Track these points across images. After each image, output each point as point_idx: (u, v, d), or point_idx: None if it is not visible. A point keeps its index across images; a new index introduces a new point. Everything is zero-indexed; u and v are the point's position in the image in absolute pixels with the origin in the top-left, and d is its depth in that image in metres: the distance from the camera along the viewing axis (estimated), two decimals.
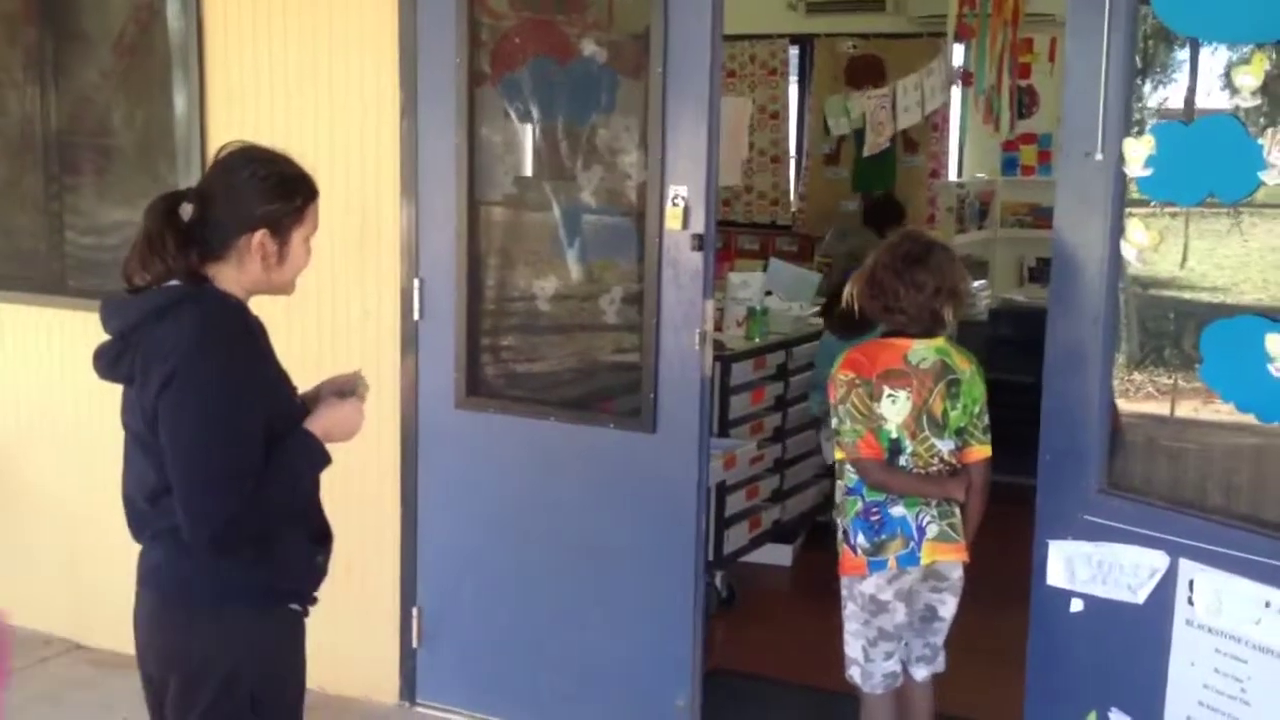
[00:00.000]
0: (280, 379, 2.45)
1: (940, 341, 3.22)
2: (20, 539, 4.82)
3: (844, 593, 3.30)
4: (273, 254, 2.39)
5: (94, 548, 4.48)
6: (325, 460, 2.42)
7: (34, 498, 4.75)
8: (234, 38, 4.15)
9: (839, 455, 3.26)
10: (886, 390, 3.14)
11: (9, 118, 4.75)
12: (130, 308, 2.35)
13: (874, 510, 3.19)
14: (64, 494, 4.64)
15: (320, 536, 2.53)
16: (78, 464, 4.56)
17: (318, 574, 2.53)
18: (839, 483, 3.31)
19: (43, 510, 4.74)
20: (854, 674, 3.32)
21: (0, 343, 4.76)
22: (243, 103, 4.15)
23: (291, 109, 4.07)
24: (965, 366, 3.24)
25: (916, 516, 3.19)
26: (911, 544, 3.18)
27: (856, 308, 3.27)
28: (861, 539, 3.20)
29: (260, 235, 2.36)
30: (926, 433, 3.17)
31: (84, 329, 4.42)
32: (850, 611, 3.29)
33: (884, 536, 3.18)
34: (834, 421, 3.23)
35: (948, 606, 3.31)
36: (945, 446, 3.20)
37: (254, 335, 2.41)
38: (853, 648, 3.31)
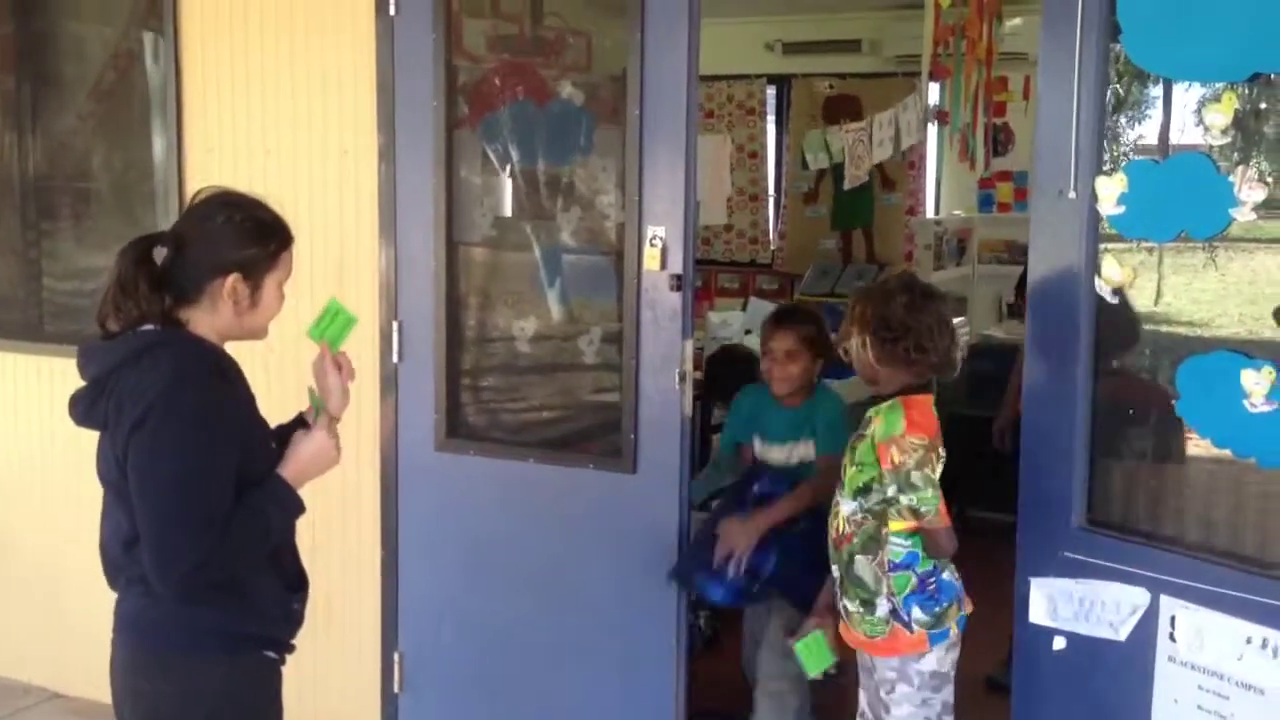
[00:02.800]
0: (255, 424, 2.43)
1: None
2: None
3: (889, 675, 3.03)
4: (245, 298, 2.39)
5: (73, 596, 4.44)
6: (297, 507, 2.41)
7: (11, 544, 4.71)
8: (212, 82, 4.16)
9: (897, 525, 2.96)
10: (940, 450, 2.96)
11: None
12: (106, 353, 2.34)
13: (930, 581, 2.98)
14: (42, 541, 4.60)
15: (295, 583, 2.51)
16: (56, 510, 4.53)
17: (294, 621, 2.51)
18: (861, 560, 3.02)
19: (20, 557, 4.69)
20: None
21: None
22: (220, 147, 4.16)
23: (269, 152, 4.08)
24: None
25: (956, 578, 3.06)
26: (961, 605, 3.04)
27: (874, 360, 2.99)
28: (919, 613, 2.97)
29: (233, 279, 2.36)
30: None
31: (62, 374, 4.41)
32: (901, 694, 3.02)
33: (944, 604, 3.00)
34: (891, 489, 2.92)
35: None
36: None
37: (228, 379, 2.40)
38: None
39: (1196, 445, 2.79)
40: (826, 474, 3.36)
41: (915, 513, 2.92)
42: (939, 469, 2.93)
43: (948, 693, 3.04)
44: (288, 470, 2.40)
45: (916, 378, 3.02)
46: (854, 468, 3.03)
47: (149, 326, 2.34)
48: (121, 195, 4.57)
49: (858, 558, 3.02)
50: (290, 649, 2.52)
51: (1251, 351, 2.58)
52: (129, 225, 4.45)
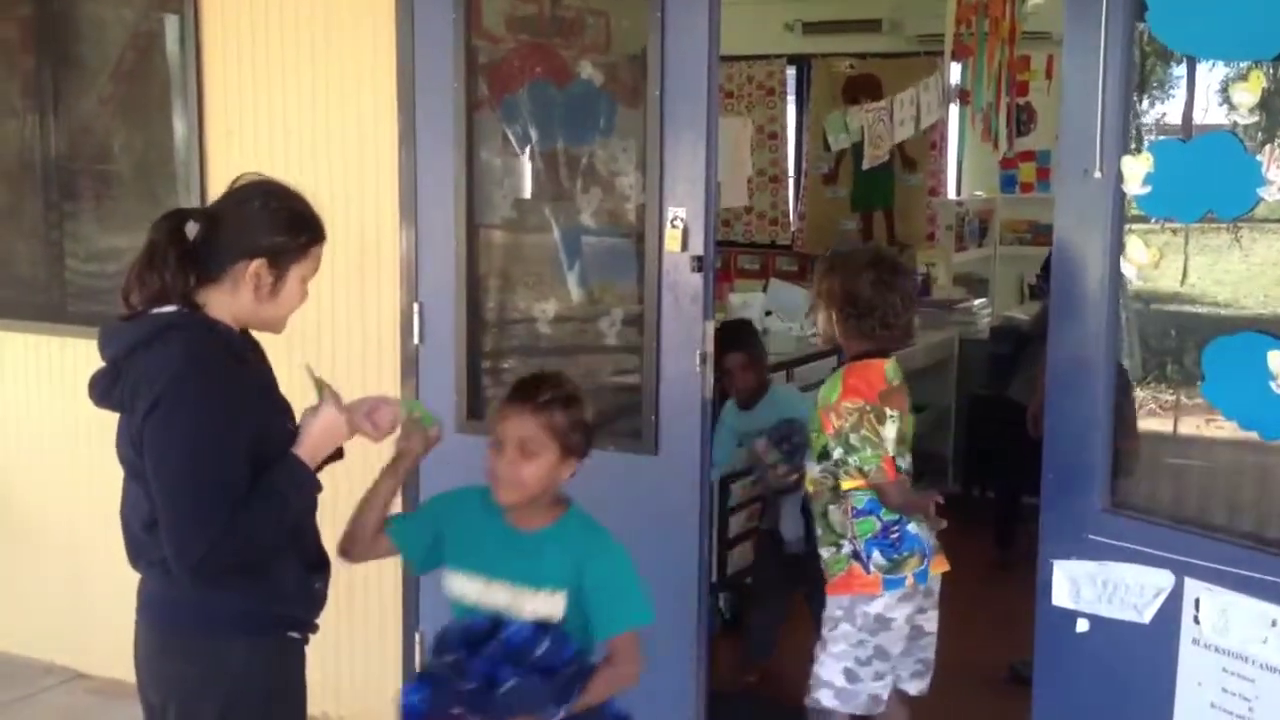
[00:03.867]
0: (271, 406, 2.43)
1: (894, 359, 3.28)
2: (20, 567, 4.80)
3: (836, 614, 3.24)
4: (266, 285, 2.38)
5: (95, 576, 4.46)
6: (313, 485, 2.40)
7: (34, 525, 4.74)
8: (232, 63, 4.16)
9: (848, 485, 3.19)
10: (888, 411, 3.14)
11: (8, 145, 4.76)
12: (123, 334, 2.35)
13: (893, 529, 3.17)
14: (64, 522, 4.63)
15: (317, 564, 2.52)
16: (78, 491, 4.55)
17: (315, 601, 2.51)
18: (833, 509, 3.26)
19: (43, 538, 4.72)
20: (822, 697, 3.26)
21: (0, 369, 4.75)
22: (241, 128, 4.16)
23: (290, 133, 4.08)
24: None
25: (926, 532, 3.22)
26: (925, 560, 3.20)
27: (840, 334, 3.25)
28: (878, 557, 3.17)
29: (257, 264, 2.36)
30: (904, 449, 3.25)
31: (84, 355, 4.40)
32: (841, 632, 3.23)
33: (904, 553, 3.18)
34: (838, 452, 3.16)
35: (933, 621, 3.32)
36: (905, 463, 3.28)
37: (244, 362, 2.39)
38: (830, 669, 3.24)
39: (1220, 427, 2.77)
40: (624, 664, 2.49)
41: (861, 472, 3.13)
42: (889, 427, 3.14)
43: (885, 639, 3.20)
44: (301, 449, 2.40)
45: (876, 346, 3.21)
46: (814, 434, 3.26)
47: (168, 308, 2.35)
48: (142, 177, 4.57)
49: (830, 507, 3.25)
50: (313, 629, 2.53)
51: (1278, 333, 2.56)
52: (150, 207, 4.45)
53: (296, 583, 2.45)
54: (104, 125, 4.63)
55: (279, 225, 2.39)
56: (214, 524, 2.22)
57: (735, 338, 4.37)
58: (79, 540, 4.56)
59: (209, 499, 2.23)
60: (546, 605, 2.47)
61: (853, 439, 3.11)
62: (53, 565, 4.70)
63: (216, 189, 2.54)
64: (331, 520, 2.62)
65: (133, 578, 2.45)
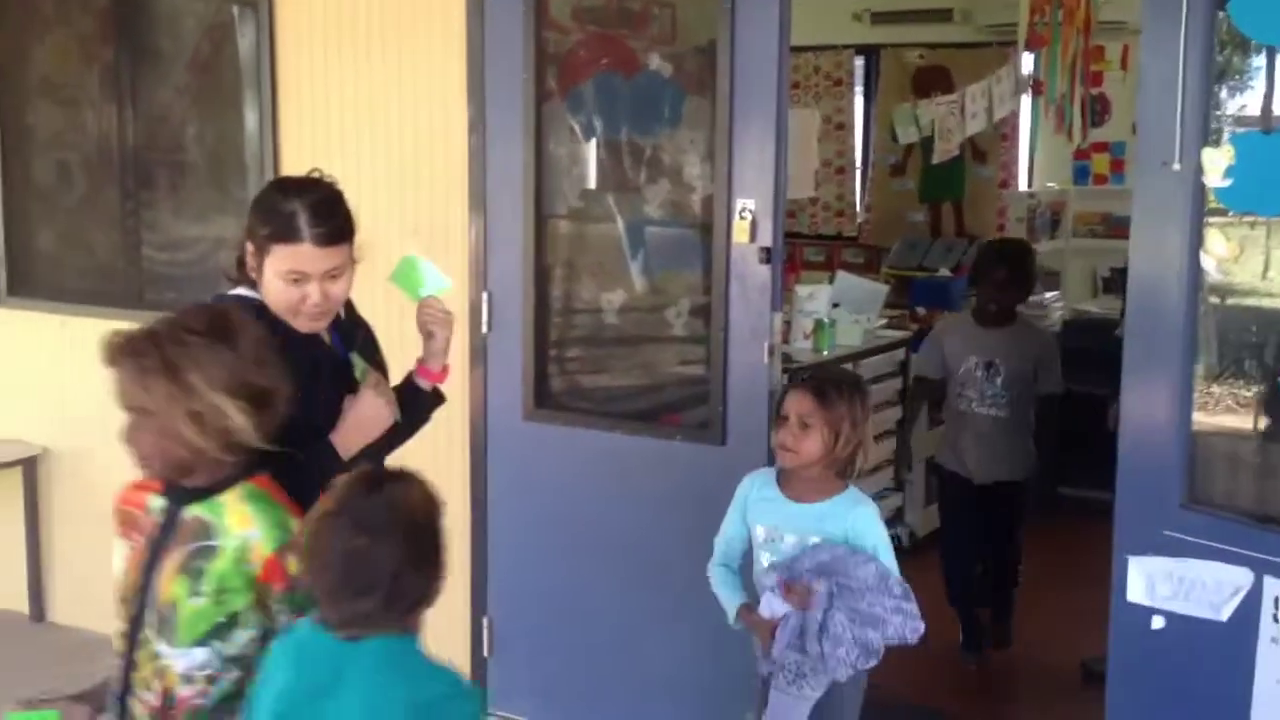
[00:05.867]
0: (302, 394, 2.34)
1: None
2: (102, 550, 4.88)
3: None
4: (254, 269, 2.42)
5: None
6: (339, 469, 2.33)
7: (108, 507, 4.81)
8: (305, 55, 4.20)
9: None
10: None
11: (87, 135, 4.85)
12: None
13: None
14: None
15: None
16: None
17: None
18: None
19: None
20: None
21: (80, 355, 4.83)
22: (313, 119, 4.20)
23: (361, 125, 4.11)
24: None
25: None
26: None
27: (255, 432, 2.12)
28: None
29: (249, 246, 2.43)
30: None
31: None
32: None
33: None
34: (283, 618, 2.05)
35: None
36: None
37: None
38: None
39: None
40: None
41: None
42: None
43: None
44: (337, 434, 2.42)
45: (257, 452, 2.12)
46: (199, 598, 2.05)
47: (238, 289, 2.45)
48: (216, 166, 4.64)
49: None
50: None
51: None
52: (223, 196, 4.53)
53: None
54: (179, 115, 4.70)
55: (255, 211, 2.44)
56: None
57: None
58: None
59: None
60: None
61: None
62: None
63: None
64: None
65: None
